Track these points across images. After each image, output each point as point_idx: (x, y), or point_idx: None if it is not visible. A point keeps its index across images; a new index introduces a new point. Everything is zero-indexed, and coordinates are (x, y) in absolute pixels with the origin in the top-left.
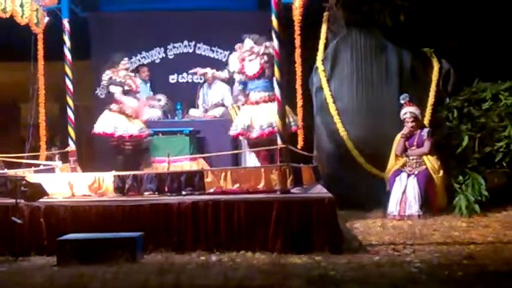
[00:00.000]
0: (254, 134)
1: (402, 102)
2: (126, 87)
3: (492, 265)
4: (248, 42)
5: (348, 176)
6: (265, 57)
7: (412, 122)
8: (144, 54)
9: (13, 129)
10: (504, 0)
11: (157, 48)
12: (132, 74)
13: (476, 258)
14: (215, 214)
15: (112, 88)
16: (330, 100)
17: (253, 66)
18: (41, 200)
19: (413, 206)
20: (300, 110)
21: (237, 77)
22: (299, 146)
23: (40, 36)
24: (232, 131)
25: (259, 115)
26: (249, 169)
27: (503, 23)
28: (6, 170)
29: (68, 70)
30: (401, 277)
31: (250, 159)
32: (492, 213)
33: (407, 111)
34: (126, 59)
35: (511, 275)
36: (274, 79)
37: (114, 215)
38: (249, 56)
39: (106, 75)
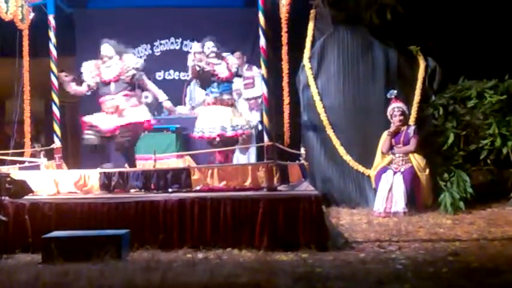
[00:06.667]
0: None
1: (390, 97)
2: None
3: (477, 262)
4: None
5: (334, 173)
6: None
7: (400, 115)
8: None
9: None
10: None
11: (144, 45)
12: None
13: (461, 255)
14: (202, 211)
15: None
16: (316, 98)
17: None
18: (25, 197)
19: (399, 203)
20: (286, 108)
21: None
22: (286, 144)
23: (25, 33)
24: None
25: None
26: (235, 166)
27: (489, 21)
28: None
29: (53, 66)
30: (387, 274)
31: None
32: (477, 211)
33: (395, 106)
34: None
35: (495, 272)
36: (261, 76)
37: (99, 212)
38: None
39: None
